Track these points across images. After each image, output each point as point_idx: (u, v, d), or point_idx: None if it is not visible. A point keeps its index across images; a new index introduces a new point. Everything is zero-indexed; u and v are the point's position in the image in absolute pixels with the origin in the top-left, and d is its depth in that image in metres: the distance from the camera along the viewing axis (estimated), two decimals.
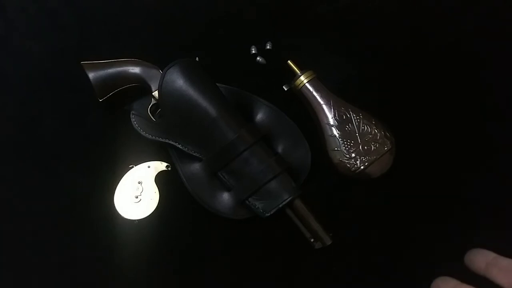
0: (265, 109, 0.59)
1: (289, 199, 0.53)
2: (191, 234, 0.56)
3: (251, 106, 0.59)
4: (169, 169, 0.58)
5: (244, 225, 0.56)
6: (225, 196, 0.55)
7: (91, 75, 0.55)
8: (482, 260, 0.35)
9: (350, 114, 0.57)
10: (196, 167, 0.56)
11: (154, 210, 0.56)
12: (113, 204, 0.56)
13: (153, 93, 0.56)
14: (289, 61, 0.59)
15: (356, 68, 0.63)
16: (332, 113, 0.57)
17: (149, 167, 0.58)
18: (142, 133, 0.55)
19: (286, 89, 0.60)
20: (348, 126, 0.56)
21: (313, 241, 0.53)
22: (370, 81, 0.62)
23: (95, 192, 0.57)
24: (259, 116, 0.59)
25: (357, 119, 0.56)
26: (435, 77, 0.62)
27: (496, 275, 0.34)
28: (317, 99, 0.57)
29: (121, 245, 0.56)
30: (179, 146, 0.55)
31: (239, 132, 0.53)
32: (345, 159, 0.56)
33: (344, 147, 0.56)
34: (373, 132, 0.56)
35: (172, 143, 0.55)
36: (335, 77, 0.60)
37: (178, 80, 0.53)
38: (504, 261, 0.35)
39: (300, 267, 0.55)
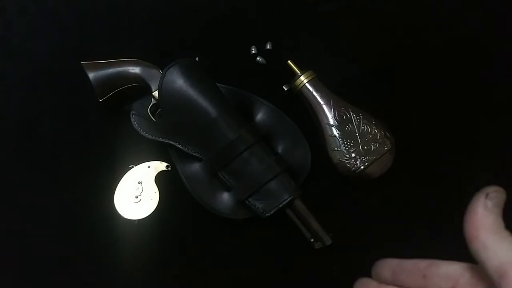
0: (265, 109, 0.59)
1: (289, 199, 0.53)
2: (191, 234, 0.56)
3: (251, 106, 0.59)
4: (169, 169, 0.58)
5: (244, 225, 0.56)
6: (225, 196, 0.55)
7: (91, 75, 0.55)
8: (387, 269, 0.33)
9: (350, 114, 0.57)
10: (196, 167, 0.56)
11: (154, 210, 0.56)
12: (113, 204, 0.56)
13: (153, 93, 0.56)
14: (289, 61, 0.59)
15: (356, 68, 0.63)
16: (332, 113, 0.56)
17: (149, 167, 0.58)
18: (142, 133, 0.55)
19: (286, 89, 0.60)
20: (348, 126, 0.56)
21: (313, 241, 0.53)
22: (370, 81, 0.62)
23: (95, 192, 0.57)
24: (259, 116, 0.59)
25: (357, 119, 0.56)
26: (435, 77, 0.62)
27: (404, 280, 0.31)
28: (317, 99, 0.57)
29: (121, 245, 0.56)
30: (179, 146, 0.55)
31: (239, 132, 0.53)
32: (345, 159, 0.56)
33: (344, 147, 0.56)
34: (373, 132, 0.56)
35: (172, 143, 0.55)
36: (335, 77, 0.60)
37: (178, 80, 0.53)
38: (407, 264, 0.32)
39: (300, 267, 0.55)
